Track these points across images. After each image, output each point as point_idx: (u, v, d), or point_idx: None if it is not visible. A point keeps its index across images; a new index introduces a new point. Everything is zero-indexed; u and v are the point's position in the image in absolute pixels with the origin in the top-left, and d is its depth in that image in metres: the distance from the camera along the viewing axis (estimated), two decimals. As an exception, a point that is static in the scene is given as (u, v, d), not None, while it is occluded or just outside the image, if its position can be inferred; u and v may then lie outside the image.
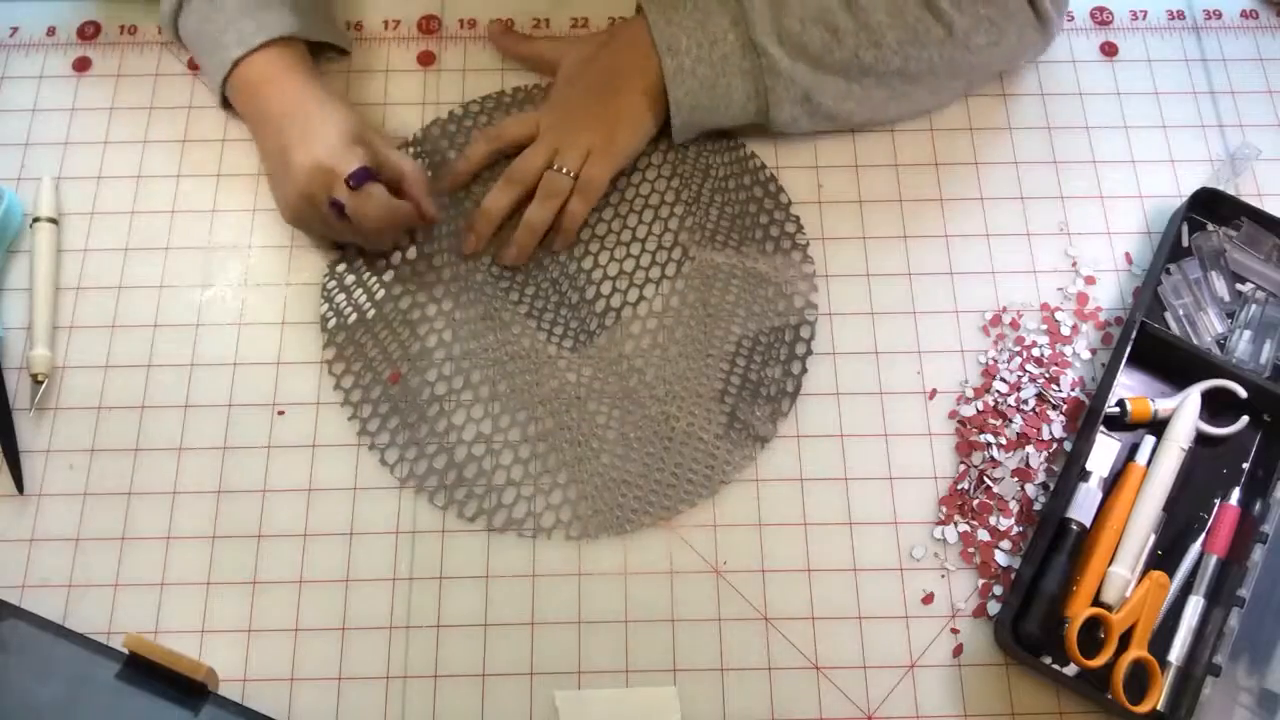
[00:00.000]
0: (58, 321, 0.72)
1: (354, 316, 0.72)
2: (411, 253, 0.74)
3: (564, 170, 0.71)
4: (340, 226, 0.69)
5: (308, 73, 0.72)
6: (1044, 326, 0.73)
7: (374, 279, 0.73)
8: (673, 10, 0.72)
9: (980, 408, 0.70)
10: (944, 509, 0.68)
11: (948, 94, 0.78)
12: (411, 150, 0.77)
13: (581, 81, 0.74)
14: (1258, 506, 0.67)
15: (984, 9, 0.72)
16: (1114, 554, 0.65)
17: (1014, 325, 0.73)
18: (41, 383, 0.69)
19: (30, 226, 0.73)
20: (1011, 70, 0.80)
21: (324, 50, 0.77)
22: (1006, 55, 0.76)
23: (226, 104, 0.75)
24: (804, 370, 0.71)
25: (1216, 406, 0.69)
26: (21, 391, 0.70)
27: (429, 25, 0.82)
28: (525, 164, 0.72)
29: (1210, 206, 0.75)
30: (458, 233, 0.74)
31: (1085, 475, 0.67)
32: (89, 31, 0.81)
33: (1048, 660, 0.63)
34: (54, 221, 0.74)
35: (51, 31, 0.81)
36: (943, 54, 0.72)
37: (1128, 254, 0.75)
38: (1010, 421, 0.70)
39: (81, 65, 0.80)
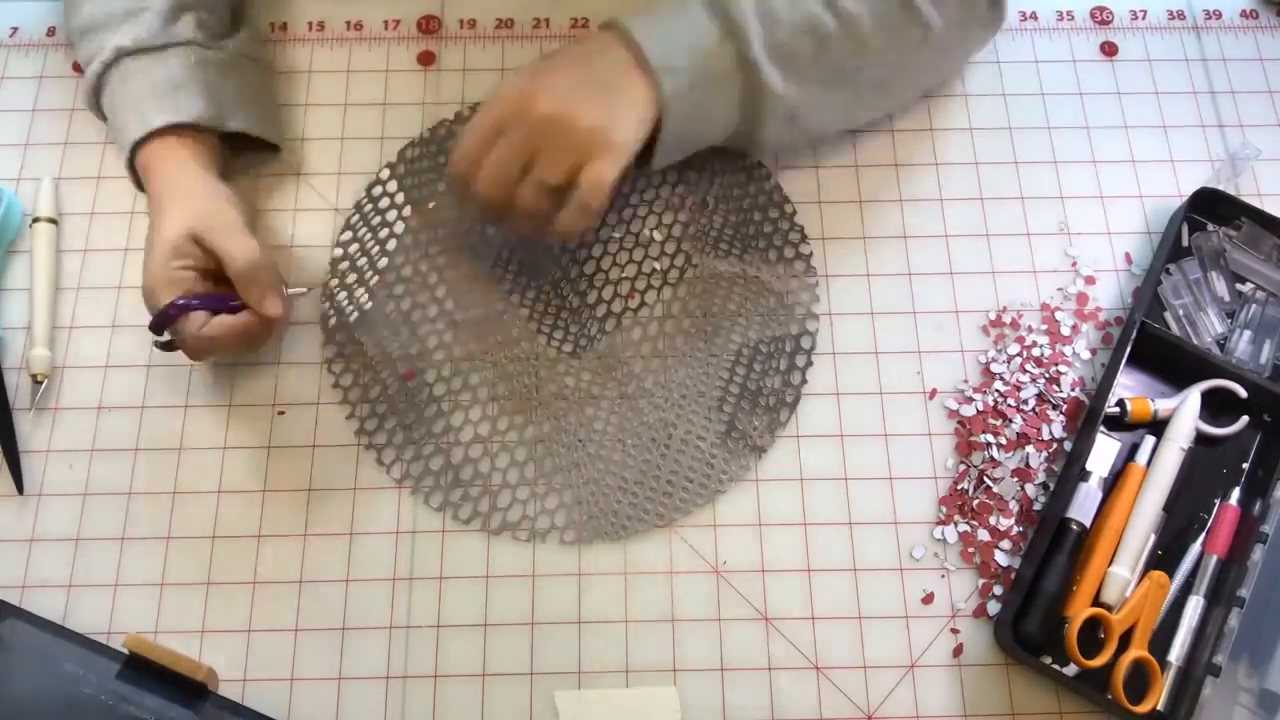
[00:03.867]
0: (58, 321, 0.72)
1: (355, 315, 0.72)
2: (414, 254, 0.74)
3: (546, 181, 0.63)
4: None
5: (190, 160, 0.68)
6: (1044, 326, 0.73)
7: (376, 278, 0.73)
8: (657, 26, 0.65)
9: (980, 408, 0.70)
10: (944, 509, 0.68)
11: (915, 90, 0.78)
12: (417, 150, 0.77)
13: (572, 67, 0.65)
14: (1258, 506, 0.67)
15: (954, 8, 0.71)
16: (1114, 554, 0.65)
17: (1014, 325, 0.73)
18: (41, 383, 0.69)
19: (30, 227, 0.73)
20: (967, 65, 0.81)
21: (259, 148, 0.74)
22: (967, 47, 0.78)
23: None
24: (804, 381, 0.71)
25: (1216, 406, 0.69)
26: (22, 391, 0.70)
27: (429, 25, 0.82)
28: (502, 164, 0.63)
29: (1210, 206, 0.75)
30: (458, 234, 0.74)
31: (1085, 475, 0.67)
32: (89, 31, 0.81)
33: (1048, 660, 0.63)
34: (54, 222, 0.74)
35: (51, 31, 0.81)
36: (918, 57, 0.72)
37: (1128, 254, 0.75)
38: (1010, 421, 0.70)
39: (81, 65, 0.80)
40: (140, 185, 0.70)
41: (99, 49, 0.70)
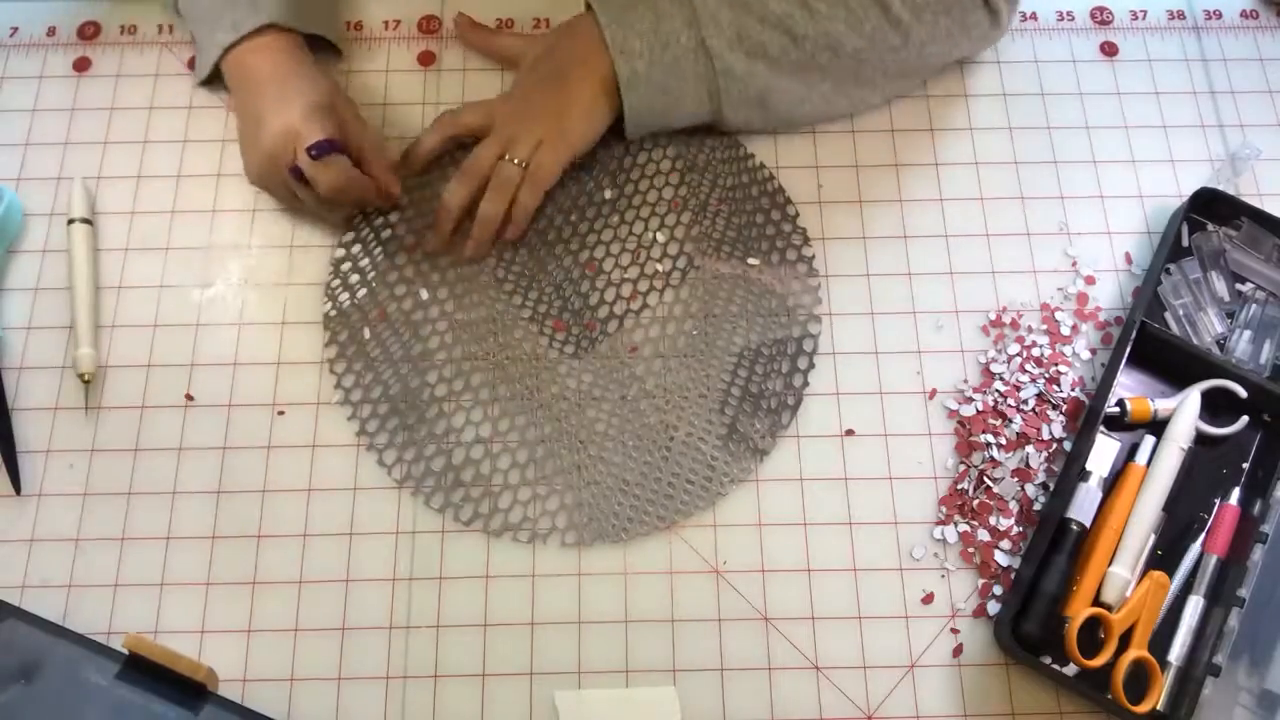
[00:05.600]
0: (57, 322, 0.72)
1: (356, 315, 0.72)
2: (416, 253, 0.74)
3: (515, 160, 0.71)
4: (300, 192, 0.70)
5: (295, 50, 0.73)
6: (1044, 326, 0.73)
7: (377, 278, 0.73)
8: (624, 11, 0.71)
9: (980, 408, 0.70)
10: (944, 509, 0.68)
11: (901, 89, 0.79)
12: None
13: (535, 73, 0.74)
14: (1258, 506, 0.67)
15: (943, 20, 0.72)
16: (1114, 554, 0.65)
17: (1014, 325, 0.73)
18: (89, 382, 0.69)
19: (67, 226, 0.73)
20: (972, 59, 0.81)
21: (319, 50, 0.77)
22: (959, 55, 0.79)
23: (208, 81, 0.76)
24: (805, 384, 0.71)
25: (1216, 406, 0.69)
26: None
27: (429, 25, 0.82)
28: (479, 157, 0.72)
29: (1210, 206, 0.75)
30: (460, 234, 0.74)
31: (1085, 475, 0.67)
32: (89, 31, 0.81)
33: (1048, 660, 0.64)
34: (89, 222, 0.74)
35: (51, 31, 0.81)
36: (897, 59, 0.73)
37: (1128, 254, 0.75)
38: (1010, 421, 0.70)
39: (81, 65, 0.80)
40: (206, 82, 0.76)
41: None
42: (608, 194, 0.76)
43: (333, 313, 0.72)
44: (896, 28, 0.71)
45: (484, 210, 0.71)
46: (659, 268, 0.74)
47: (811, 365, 0.71)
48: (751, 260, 0.74)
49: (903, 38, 0.72)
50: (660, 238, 0.75)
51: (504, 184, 0.71)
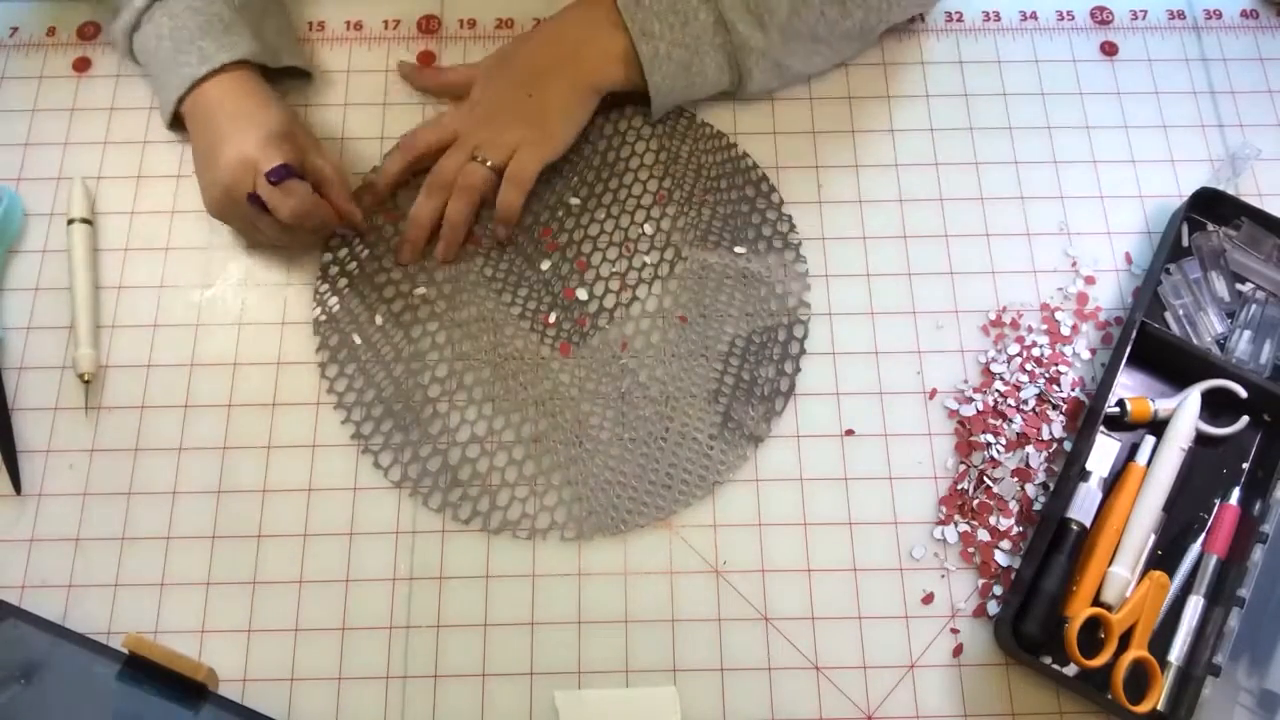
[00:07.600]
0: (57, 322, 0.72)
1: (346, 319, 0.72)
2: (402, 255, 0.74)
3: (486, 162, 0.71)
4: (260, 221, 0.69)
5: (252, 82, 0.72)
6: (1044, 326, 0.73)
7: (365, 281, 0.73)
8: None
9: (980, 408, 0.70)
10: (944, 509, 0.68)
11: (884, 28, 0.80)
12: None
13: (499, 83, 0.74)
14: (1258, 506, 0.67)
15: None
16: (1114, 554, 0.65)
17: (1014, 325, 0.73)
18: (89, 382, 0.69)
19: (67, 226, 0.73)
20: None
21: (289, 77, 0.77)
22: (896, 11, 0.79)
23: (174, 123, 0.74)
24: (797, 369, 0.71)
25: (1216, 406, 0.69)
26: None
27: (429, 25, 0.82)
28: (444, 167, 0.72)
29: (1210, 206, 0.75)
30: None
31: (1085, 475, 0.67)
32: (89, 31, 0.81)
33: (1048, 660, 0.64)
34: (89, 222, 0.74)
35: (51, 31, 0.81)
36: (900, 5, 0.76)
37: (1128, 254, 0.75)
38: (1010, 421, 0.70)
39: (81, 65, 0.80)
40: (170, 122, 0.74)
41: None
42: (595, 189, 0.76)
43: (322, 318, 0.72)
44: None
45: (451, 212, 0.71)
46: (647, 260, 0.74)
47: (803, 351, 0.71)
48: (739, 249, 0.74)
49: None
50: (648, 229, 0.75)
51: (471, 186, 0.71)
